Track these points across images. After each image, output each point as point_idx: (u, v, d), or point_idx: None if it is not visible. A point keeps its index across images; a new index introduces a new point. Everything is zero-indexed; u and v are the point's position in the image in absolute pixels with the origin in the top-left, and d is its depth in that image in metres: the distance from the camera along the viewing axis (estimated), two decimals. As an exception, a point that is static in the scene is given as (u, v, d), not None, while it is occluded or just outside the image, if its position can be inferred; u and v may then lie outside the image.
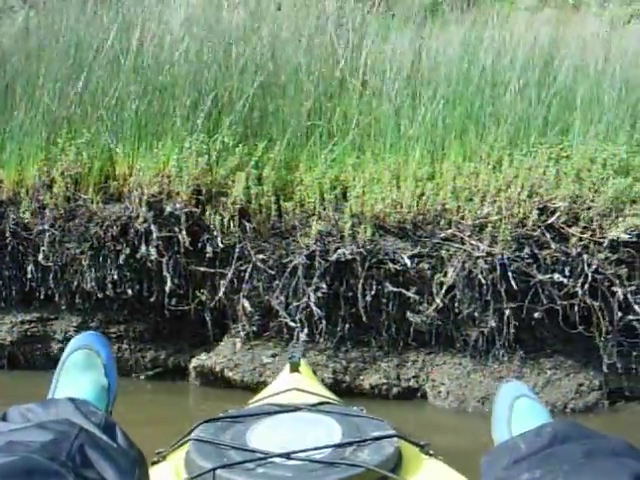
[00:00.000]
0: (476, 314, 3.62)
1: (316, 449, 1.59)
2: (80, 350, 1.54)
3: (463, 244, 3.59)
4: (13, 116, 3.93)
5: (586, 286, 3.53)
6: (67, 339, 3.71)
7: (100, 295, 3.88)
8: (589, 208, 3.59)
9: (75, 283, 3.88)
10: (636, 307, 3.58)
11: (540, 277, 3.53)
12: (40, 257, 3.84)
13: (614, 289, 3.56)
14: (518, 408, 1.58)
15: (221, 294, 3.70)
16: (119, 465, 1.16)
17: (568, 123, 3.89)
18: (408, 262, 3.59)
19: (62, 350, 3.67)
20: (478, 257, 3.54)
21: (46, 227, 3.83)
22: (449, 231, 3.63)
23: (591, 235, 3.56)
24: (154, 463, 1.66)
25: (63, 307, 3.96)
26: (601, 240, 3.55)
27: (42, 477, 1.01)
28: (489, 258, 3.54)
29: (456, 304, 3.63)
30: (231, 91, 3.93)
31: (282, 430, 1.72)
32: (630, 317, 3.61)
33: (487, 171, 3.69)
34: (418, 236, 3.69)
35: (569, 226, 3.59)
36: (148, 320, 3.98)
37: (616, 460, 1.20)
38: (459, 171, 3.73)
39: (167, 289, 3.72)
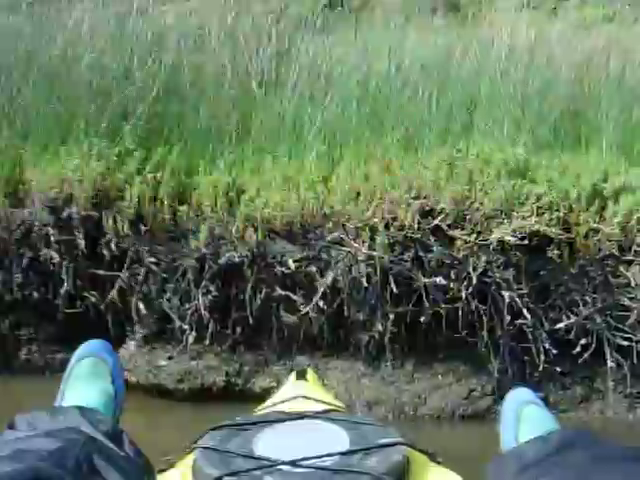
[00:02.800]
0: (363, 318, 4.00)
1: (323, 456, 1.69)
2: (87, 358, 1.63)
3: (347, 247, 3.97)
4: None
5: (470, 289, 3.87)
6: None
7: (9, 298, 4.42)
8: (477, 210, 3.92)
9: (-17, 286, 4.43)
10: (524, 311, 3.91)
11: (424, 280, 3.89)
12: (-51, 261, 4.40)
13: (502, 292, 3.89)
14: (526, 415, 1.69)
15: (113, 296, 4.18)
16: (127, 473, 1.26)
17: (469, 125, 4.22)
18: (292, 265, 4.00)
19: None
20: (360, 260, 3.92)
21: (-45, 231, 4.39)
22: (335, 234, 4.02)
23: (477, 238, 3.89)
24: (161, 471, 1.76)
25: (-29, 310, 4.50)
26: (487, 242, 3.88)
27: None
28: (371, 261, 3.91)
29: (345, 308, 4.02)
30: (134, 96, 4.41)
31: (289, 438, 1.83)
32: (520, 321, 3.94)
33: (378, 174, 4.06)
34: (307, 239, 4.09)
35: (455, 228, 3.93)
36: (57, 323, 4.49)
37: (625, 466, 1.27)
38: (352, 174, 4.11)
39: (62, 291, 4.22)
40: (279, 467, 1.66)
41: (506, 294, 3.88)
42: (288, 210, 4.08)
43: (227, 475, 1.61)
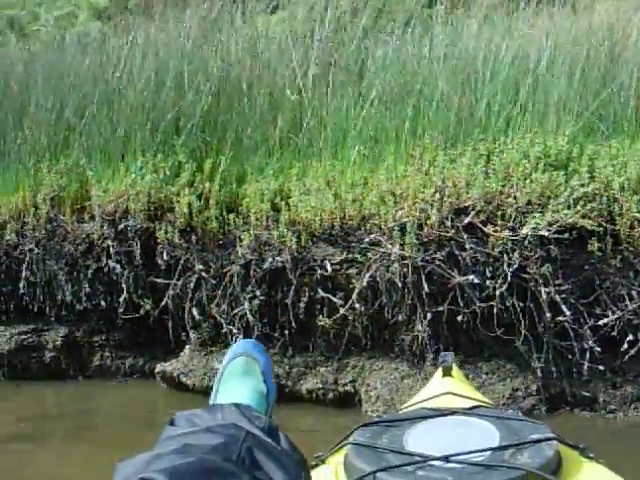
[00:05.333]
0: (403, 318, 4.38)
1: (475, 452, 1.80)
2: (239, 357, 1.75)
3: (383, 248, 4.37)
4: (3, 149, 5.32)
5: (505, 286, 4.16)
6: (56, 348, 5.01)
7: (81, 307, 5.15)
8: (511, 205, 4.20)
9: (59, 297, 5.19)
10: (564, 307, 4.14)
11: (458, 279, 4.22)
12: (27, 274, 5.19)
13: (540, 289, 4.15)
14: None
15: (166, 303, 4.80)
16: (286, 467, 1.34)
17: (509, 118, 4.50)
18: (329, 268, 4.44)
19: (55, 358, 5.00)
20: (394, 260, 4.30)
21: (31, 247, 5.18)
22: (372, 235, 4.42)
23: (511, 233, 4.17)
24: (313, 467, 1.89)
25: (52, 319, 5.27)
26: (522, 238, 4.15)
27: (220, 477, 1.21)
28: (405, 261, 4.28)
29: (386, 309, 4.42)
30: (185, 111, 5.01)
31: (439, 433, 1.97)
32: (561, 318, 4.17)
33: (414, 173, 4.43)
34: (346, 242, 4.52)
35: (489, 224, 4.23)
36: (124, 329, 5.17)
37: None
38: (389, 175, 4.50)
39: (121, 300, 4.89)
40: (431, 462, 1.78)
41: (544, 290, 4.14)
42: (328, 213, 4.53)
43: (380, 470, 1.74)
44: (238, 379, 1.71)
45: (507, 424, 1.97)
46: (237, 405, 1.52)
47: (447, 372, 2.57)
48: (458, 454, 1.79)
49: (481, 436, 1.91)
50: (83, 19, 11.23)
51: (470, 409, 2.12)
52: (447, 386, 2.42)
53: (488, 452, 1.81)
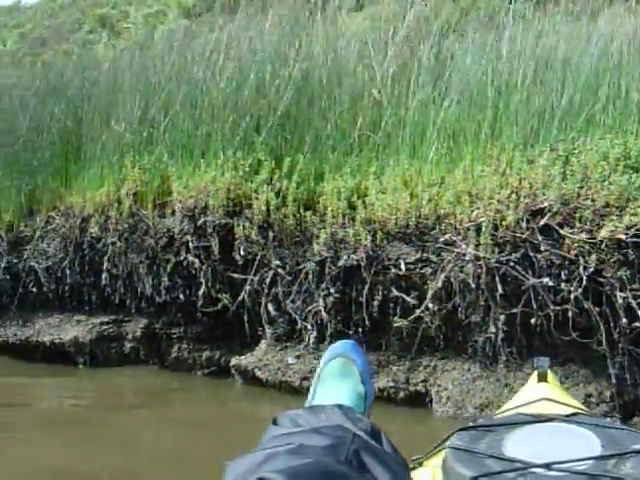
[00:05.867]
0: (476, 319, 4.44)
1: (577, 460, 1.76)
2: (337, 358, 1.78)
3: (458, 248, 4.44)
4: (91, 145, 5.59)
5: (581, 290, 4.18)
6: (136, 339, 5.27)
7: (160, 300, 5.37)
8: (588, 207, 4.22)
9: (139, 289, 5.42)
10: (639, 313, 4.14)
11: (532, 281, 4.26)
12: (110, 266, 5.45)
13: (616, 293, 4.16)
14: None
15: (243, 298, 4.97)
16: (392, 470, 1.36)
17: (590, 118, 4.52)
18: (403, 268, 4.54)
19: (134, 349, 5.29)
20: (468, 261, 4.37)
21: (113, 240, 5.43)
22: (447, 235, 4.50)
23: (588, 236, 4.19)
24: (411, 469, 1.87)
25: (133, 310, 5.51)
26: (599, 241, 4.17)
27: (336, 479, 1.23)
28: (479, 262, 4.35)
29: (460, 309, 4.49)
30: (266, 109, 5.18)
31: (538, 440, 1.94)
32: (637, 324, 4.16)
33: (491, 174, 4.48)
34: (422, 241, 4.61)
35: (567, 227, 4.25)
36: (201, 323, 5.37)
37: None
38: (466, 175, 4.57)
39: (200, 294, 5.08)
40: (532, 470, 1.75)
41: (620, 295, 4.15)
42: (404, 212, 4.63)
43: (482, 476, 1.73)
44: (336, 380, 1.74)
45: (607, 433, 1.93)
46: (339, 406, 1.55)
47: (543, 377, 2.55)
48: (560, 462, 1.76)
49: (582, 444, 1.88)
50: (172, 17, 11.55)
51: (569, 416, 2.09)
52: (543, 392, 2.40)
53: (590, 461, 1.77)
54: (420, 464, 1.97)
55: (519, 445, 1.88)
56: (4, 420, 4.63)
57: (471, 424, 2.03)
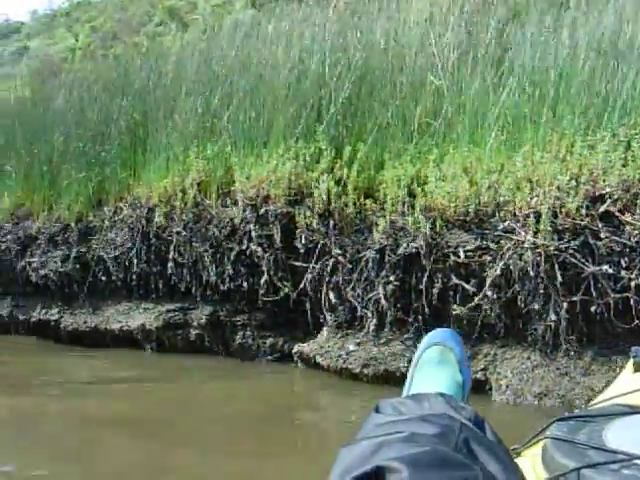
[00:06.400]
0: (537, 307, 4.48)
1: None
2: (434, 346, 1.78)
3: (517, 236, 4.48)
4: (157, 136, 5.79)
5: (642, 278, 4.19)
6: (201, 326, 5.46)
7: (224, 288, 5.54)
8: (651, 194, 4.22)
9: (204, 277, 5.61)
10: None
11: (592, 269, 4.29)
12: (175, 255, 5.65)
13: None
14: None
15: (304, 286, 5.10)
16: (500, 458, 1.35)
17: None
18: (462, 255, 4.60)
19: (199, 336, 5.50)
20: (527, 249, 4.41)
21: (178, 229, 5.62)
22: (506, 223, 4.54)
23: (650, 223, 4.20)
24: None
25: (198, 298, 5.70)
26: (661, 228, 4.17)
27: (454, 468, 1.22)
28: (538, 249, 4.38)
29: (519, 297, 4.54)
30: (327, 98, 5.29)
31: (639, 431, 1.95)
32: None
33: (551, 160, 4.51)
34: (481, 228, 4.66)
35: (629, 213, 4.26)
36: (265, 310, 5.53)
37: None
38: (526, 161, 4.61)
39: (262, 282, 5.24)
40: (636, 461, 1.71)
41: (682, 283, 4.15)
42: (463, 200, 4.69)
43: (585, 467, 1.70)
44: (434, 368, 1.75)
45: None
46: (442, 395, 1.54)
47: (639, 367, 2.46)
48: None
49: None
50: (239, 7, 11.73)
51: None
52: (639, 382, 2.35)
53: None
54: (518, 454, 1.94)
55: (619, 436, 1.84)
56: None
57: (568, 414, 2.00)
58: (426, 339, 1.82)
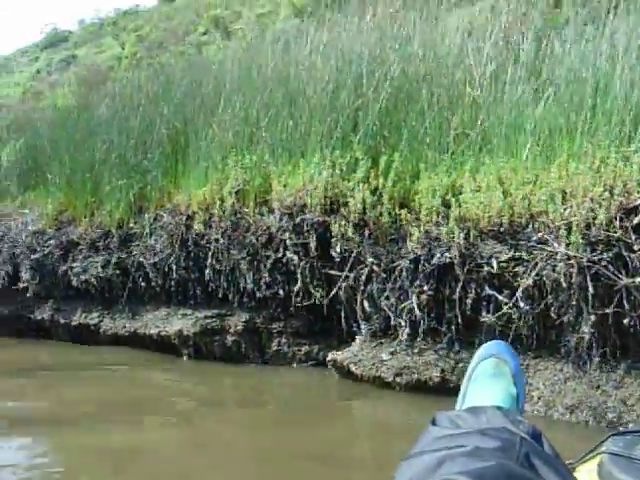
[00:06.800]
0: (569, 319, 4.52)
1: None
2: (489, 359, 1.78)
3: (550, 247, 4.53)
4: (196, 145, 5.94)
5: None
6: (237, 333, 5.60)
7: (260, 295, 5.67)
8: (686, 207, 4.25)
9: (241, 284, 5.74)
10: None
11: (625, 281, 4.32)
12: (213, 262, 5.78)
13: None
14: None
15: (340, 294, 5.20)
16: (562, 474, 1.34)
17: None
18: (495, 266, 4.66)
19: (235, 342, 5.66)
20: (560, 260, 4.46)
21: (217, 237, 5.76)
22: (540, 234, 4.59)
23: (684, 236, 4.22)
24: None
25: (235, 305, 5.83)
26: (696, 241, 4.19)
27: None
28: (570, 261, 4.43)
29: (552, 308, 4.58)
30: (364, 108, 5.40)
31: None
32: None
33: (585, 171, 4.56)
34: (515, 239, 4.72)
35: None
36: (300, 317, 5.64)
37: None
38: (560, 172, 4.65)
39: (296, 289, 5.35)
40: None
41: None
42: (497, 210, 4.76)
43: None
44: (489, 380, 1.73)
45: None
46: (499, 408, 1.55)
47: None
48: None
49: None
50: (283, 16, 11.89)
51: None
52: None
53: None
54: (573, 469, 1.94)
55: None
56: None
57: (623, 429, 2.03)
58: (481, 351, 1.82)
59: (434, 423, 1.48)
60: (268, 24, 11.30)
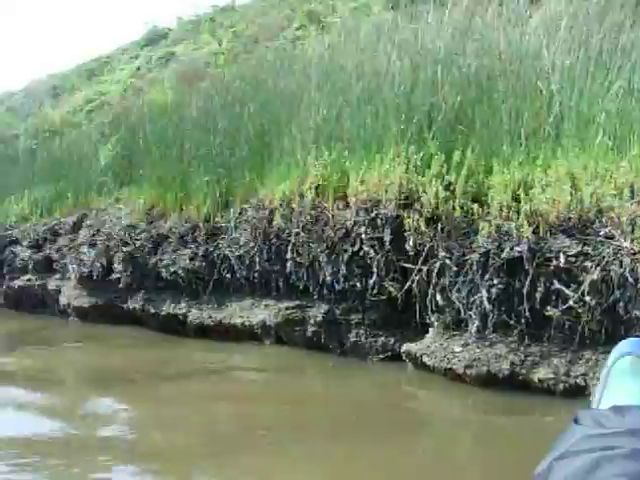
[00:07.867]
0: (637, 314, 4.66)
1: None
2: (626, 356, 1.69)
3: (615, 242, 4.69)
4: (279, 142, 6.30)
5: None
6: (317, 324, 5.97)
7: (339, 287, 5.98)
8: None
9: (320, 277, 6.06)
10: None
11: (692, 276, 4.45)
12: (294, 255, 6.13)
13: None
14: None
15: (414, 287, 5.46)
16: None
17: None
18: (563, 260, 4.84)
19: (316, 333, 6.05)
20: (625, 255, 4.61)
21: (297, 230, 6.10)
22: (607, 229, 4.75)
23: None
24: None
25: (315, 297, 6.16)
26: None
27: None
28: (636, 256, 4.57)
29: (620, 303, 4.74)
30: (439, 104, 5.65)
31: None
32: None
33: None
34: (583, 234, 4.88)
35: None
36: (379, 310, 5.92)
37: None
38: (631, 167, 4.79)
39: (371, 282, 5.64)
40: None
41: None
42: (566, 205, 4.93)
43: None
44: (629, 379, 1.61)
45: None
46: None
47: None
48: None
49: None
50: (377, 10, 12.13)
51: None
52: None
53: None
54: None
55: None
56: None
57: None
58: (617, 349, 1.67)
59: (576, 422, 1.42)
60: (362, 17, 11.55)
